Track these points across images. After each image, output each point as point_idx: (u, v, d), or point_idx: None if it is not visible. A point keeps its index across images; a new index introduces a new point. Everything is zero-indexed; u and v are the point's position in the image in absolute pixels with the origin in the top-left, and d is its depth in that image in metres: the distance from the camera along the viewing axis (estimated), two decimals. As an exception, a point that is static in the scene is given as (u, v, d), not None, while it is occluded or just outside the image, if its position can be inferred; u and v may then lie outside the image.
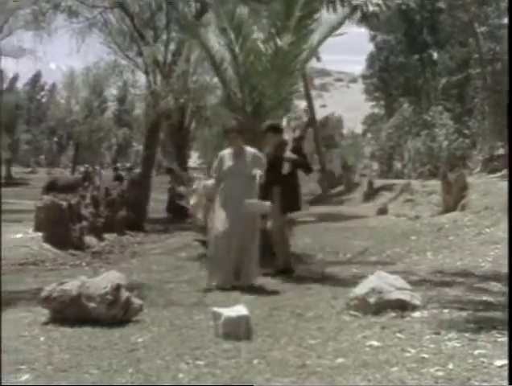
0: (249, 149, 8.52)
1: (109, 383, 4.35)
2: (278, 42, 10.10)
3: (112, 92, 64.59)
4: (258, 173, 8.18)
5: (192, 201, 9.18)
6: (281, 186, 9.00)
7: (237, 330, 5.27)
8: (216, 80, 12.10)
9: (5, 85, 64.30)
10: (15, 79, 69.78)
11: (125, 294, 5.94)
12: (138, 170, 19.88)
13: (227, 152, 8.51)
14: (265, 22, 11.00)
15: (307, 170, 9.93)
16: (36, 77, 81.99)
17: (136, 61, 23.18)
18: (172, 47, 20.13)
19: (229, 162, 8.38)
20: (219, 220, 8.15)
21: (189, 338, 5.35)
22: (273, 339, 5.30)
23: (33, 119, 74.84)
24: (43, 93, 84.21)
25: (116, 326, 5.71)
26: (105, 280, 6.00)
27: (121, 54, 24.75)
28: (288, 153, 9.33)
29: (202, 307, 6.48)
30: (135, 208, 16.57)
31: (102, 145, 63.79)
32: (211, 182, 8.70)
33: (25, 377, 4.48)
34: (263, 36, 10.73)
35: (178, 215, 18.41)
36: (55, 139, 70.73)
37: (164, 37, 20.07)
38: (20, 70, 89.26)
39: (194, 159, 53.72)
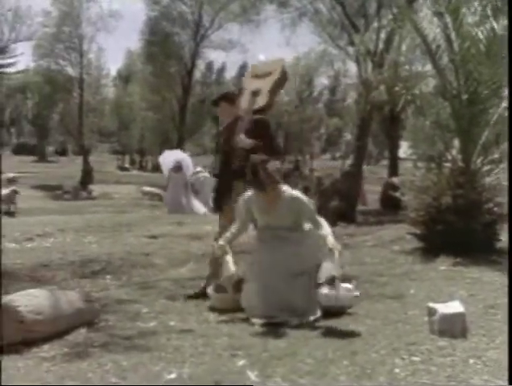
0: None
1: (324, 373, 4.42)
2: (495, 26, 9.68)
3: (322, 81, 65.22)
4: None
5: None
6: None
7: (453, 328, 5.16)
8: (427, 67, 11.76)
9: (214, 76, 66.84)
10: (222, 70, 71.97)
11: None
12: (348, 161, 19.96)
13: None
14: (476, 5, 10.54)
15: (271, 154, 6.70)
16: (243, 68, 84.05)
17: (347, 50, 23.30)
18: (383, 34, 19.92)
19: None
20: None
21: (404, 332, 5.31)
22: (488, 338, 5.15)
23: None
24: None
25: (331, 317, 5.78)
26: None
27: (331, 43, 24.99)
28: (241, 137, 6.92)
29: (417, 301, 6.36)
30: (347, 199, 16.65)
31: (312, 135, 64.40)
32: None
33: (241, 362, 4.65)
34: (473, 20, 10.29)
35: (391, 206, 18.15)
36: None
37: (375, 24, 19.93)
38: (229, 61, 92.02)
39: (404, 149, 52.89)
